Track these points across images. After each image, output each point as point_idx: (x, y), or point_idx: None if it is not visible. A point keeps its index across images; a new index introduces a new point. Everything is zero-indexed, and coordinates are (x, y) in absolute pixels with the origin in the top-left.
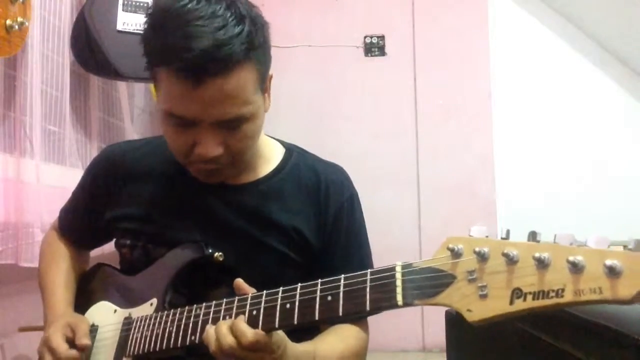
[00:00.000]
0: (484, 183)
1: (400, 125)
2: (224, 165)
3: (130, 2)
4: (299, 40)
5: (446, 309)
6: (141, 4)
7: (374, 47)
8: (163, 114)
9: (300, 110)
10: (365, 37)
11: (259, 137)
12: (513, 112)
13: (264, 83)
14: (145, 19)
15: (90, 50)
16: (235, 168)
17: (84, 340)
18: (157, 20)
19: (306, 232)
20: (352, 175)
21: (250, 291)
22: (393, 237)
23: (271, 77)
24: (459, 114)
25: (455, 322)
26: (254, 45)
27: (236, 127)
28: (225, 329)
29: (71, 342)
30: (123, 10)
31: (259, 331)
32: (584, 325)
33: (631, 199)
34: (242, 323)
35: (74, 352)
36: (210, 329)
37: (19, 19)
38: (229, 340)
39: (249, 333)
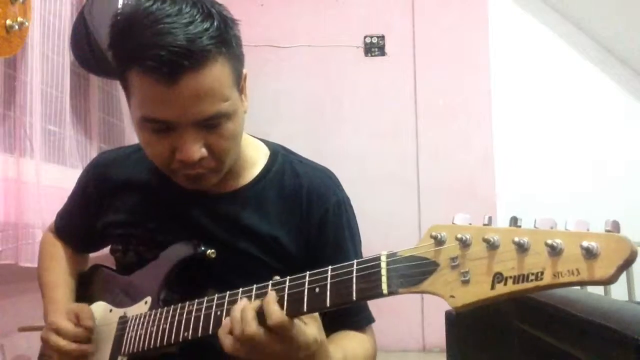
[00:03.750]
0: (484, 183)
1: (400, 125)
2: (208, 170)
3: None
4: (299, 40)
5: (446, 308)
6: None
7: (374, 47)
8: (138, 122)
9: (300, 110)
10: (365, 37)
11: (241, 138)
12: (513, 112)
13: (239, 80)
14: (110, 27)
15: (90, 50)
16: (219, 173)
17: (87, 321)
18: (124, 24)
19: (285, 241)
20: (352, 175)
21: None
22: (393, 238)
23: (246, 76)
24: (459, 114)
25: (455, 322)
26: (224, 40)
27: (216, 125)
28: (251, 315)
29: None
30: None
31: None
32: (584, 325)
33: (631, 198)
34: (273, 303)
35: (80, 330)
36: (233, 311)
37: (19, 19)
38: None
39: (276, 314)
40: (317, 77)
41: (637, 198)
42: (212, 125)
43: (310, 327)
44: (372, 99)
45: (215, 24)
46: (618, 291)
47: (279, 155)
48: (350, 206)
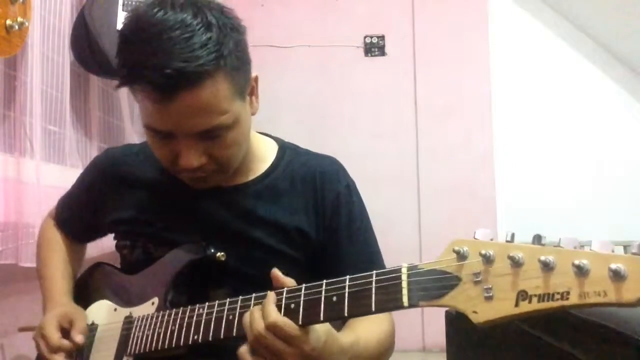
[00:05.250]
0: (484, 183)
1: (400, 125)
2: (211, 173)
3: (130, 2)
4: (299, 40)
5: (446, 308)
6: (141, 4)
7: (374, 47)
8: (144, 127)
9: (301, 110)
10: (365, 37)
11: (246, 142)
12: (513, 112)
13: (242, 88)
14: (118, 33)
15: (90, 50)
16: (224, 174)
17: (78, 337)
18: (128, 34)
19: (307, 229)
20: (352, 175)
21: (289, 282)
22: (393, 237)
23: (256, 78)
24: (459, 114)
25: (455, 322)
26: (223, 53)
27: (216, 136)
28: (257, 314)
29: (66, 333)
30: (123, 10)
31: (286, 319)
32: (584, 325)
33: (631, 199)
34: (270, 304)
35: (65, 343)
36: (245, 315)
37: (19, 19)
38: (260, 325)
39: (273, 314)
40: (317, 77)
41: (637, 198)
42: (212, 136)
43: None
44: (372, 99)
45: (214, 36)
46: None
47: (287, 150)
48: (357, 190)
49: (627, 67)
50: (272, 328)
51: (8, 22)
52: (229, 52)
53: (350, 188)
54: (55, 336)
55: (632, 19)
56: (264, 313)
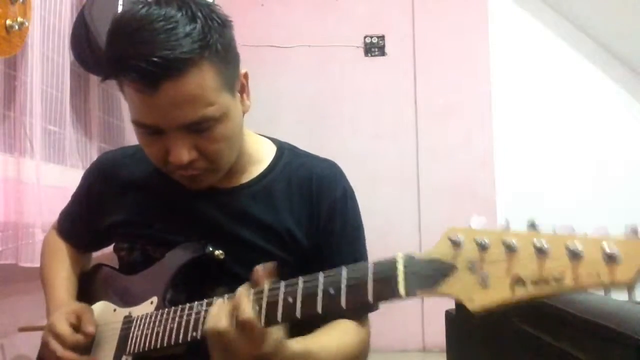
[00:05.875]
0: (484, 183)
1: (400, 125)
2: (203, 171)
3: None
4: (299, 40)
5: (446, 308)
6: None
7: (374, 47)
8: (133, 125)
9: (301, 111)
10: (365, 37)
11: (238, 140)
12: (513, 112)
13: (230, 82)
14: (107, 32)
15: (90, 50)
16: (216, 173)
17: (89, 327)
18: (113, 29)
19: (297, 233)
20: (352, 175)
21: (263, 283)
22: (393, 237)
23: (246, 74)
24: (459, 114)
25: (455, 322)
26: (207, 44)
27: (205, 129)
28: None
29: (75, 329)
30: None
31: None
32: (584, 325)
33: (631, 198)
34: (244, 299)
35: (79, 337)
36: (213, 307)
37: (19, 19)
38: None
39: (247, 311)
40: (317, 77)
41: (637, 198)
42: (200, 129)
43: (276, 328)
44: (372, 99)
45: (198, 27)
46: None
47: (285, 151)
48: (354, 196)
49: (627, 67)
50: (241, 325)
51: (8, 22)
52: (214, 43)
53: (346, 194)
54: (68, 331)
55: (632, 19)
56: (239, 309)
